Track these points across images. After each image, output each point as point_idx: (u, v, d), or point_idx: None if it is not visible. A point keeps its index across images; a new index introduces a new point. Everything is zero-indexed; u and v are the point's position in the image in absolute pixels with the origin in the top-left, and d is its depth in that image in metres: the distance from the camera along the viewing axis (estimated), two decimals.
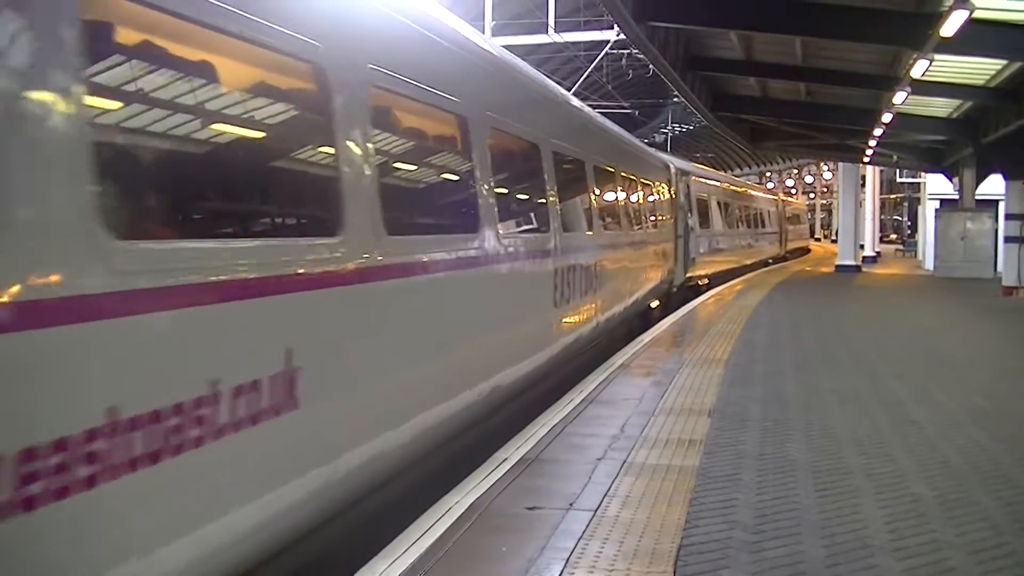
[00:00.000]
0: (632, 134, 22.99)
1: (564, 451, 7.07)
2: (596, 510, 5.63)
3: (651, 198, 18.22)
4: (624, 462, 6.75)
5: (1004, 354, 13.69)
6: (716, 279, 27.32)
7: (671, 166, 22.35)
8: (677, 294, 21.78)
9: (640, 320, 17.00)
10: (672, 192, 21.33)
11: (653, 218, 18.05)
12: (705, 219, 26.93)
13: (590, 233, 12.05)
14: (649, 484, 6.20)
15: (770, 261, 41.01)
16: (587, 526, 5.33)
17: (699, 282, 25.05)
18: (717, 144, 72.35)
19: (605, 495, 5.93)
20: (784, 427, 8.01)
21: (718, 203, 29.69)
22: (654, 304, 18.71)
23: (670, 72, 20.91)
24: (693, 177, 25.82)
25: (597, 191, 12.82)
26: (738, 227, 33.97)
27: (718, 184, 31.50)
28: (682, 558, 4.85)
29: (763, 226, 40.50)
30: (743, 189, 38.66)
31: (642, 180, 16.95)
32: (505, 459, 6.73)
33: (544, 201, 9.87)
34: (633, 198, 15.96)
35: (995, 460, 7.02)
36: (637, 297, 15.86)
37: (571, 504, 5.73)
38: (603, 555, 4.89)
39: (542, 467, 6.61)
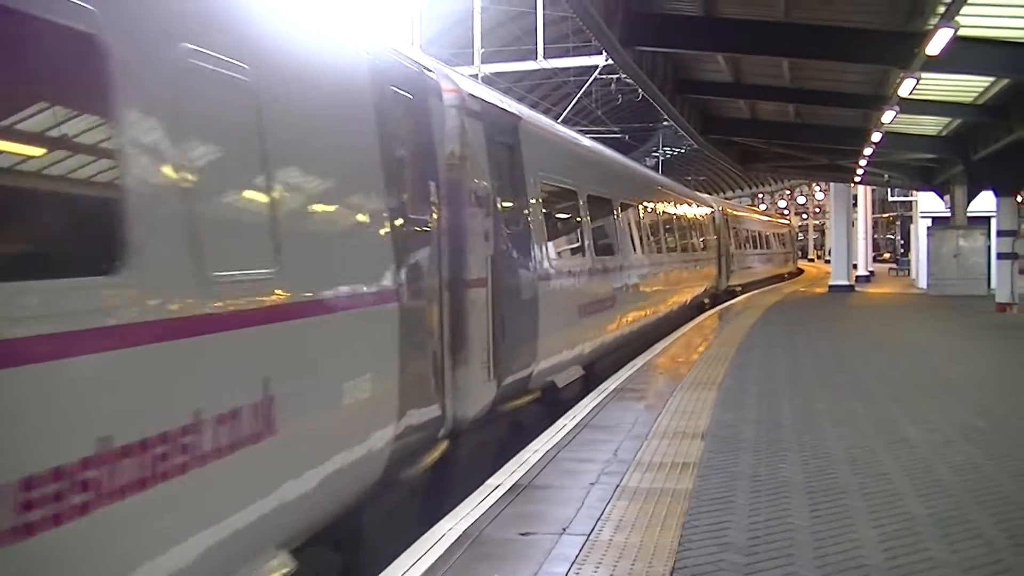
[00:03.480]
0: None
1: (557, 476, 7.03)
2: (589, 535, 5.59)
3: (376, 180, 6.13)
4: (617, 486, 6.71)
5: (999, 372, 13.65)
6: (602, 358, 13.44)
7: (459, 93, 8.06)
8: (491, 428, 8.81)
9: None
10: (469, 166, 8.02)
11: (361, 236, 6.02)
12: (587, 233, 12.81)
13: None
14: (643, 508, 6.17)
15: (706, 301, 26.54)
16: (580, 551, 5.30)
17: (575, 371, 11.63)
18: (709, 167, 72.70)
19: (598, 519, 5.90)
20: (778, 448, 7.98)
21: (600, 204, 13.98)
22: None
23: (659, 96, 21.02)
24: (539, 131, 11.44)
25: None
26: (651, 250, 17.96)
27: (602, 162, 15.83)
28: None
29: (685, 250, 22.66)
30: (655, 183, 21.54)
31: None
32: (498, 485, 6.70)
33: None
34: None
35: (990, 478, 7.01)
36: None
37: (564, 529, 5.70)
38: None
39: (535, 493, 6.58)
